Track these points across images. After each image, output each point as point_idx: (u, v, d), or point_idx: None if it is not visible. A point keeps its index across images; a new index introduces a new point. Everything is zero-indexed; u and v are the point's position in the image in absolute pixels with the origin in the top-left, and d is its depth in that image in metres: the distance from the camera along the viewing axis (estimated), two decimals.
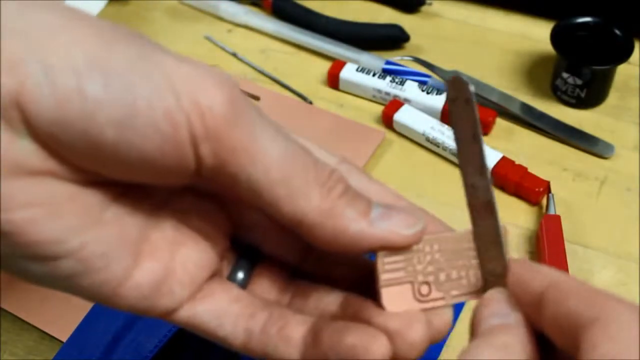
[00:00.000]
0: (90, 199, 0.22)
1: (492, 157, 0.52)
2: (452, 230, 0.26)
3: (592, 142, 0.55)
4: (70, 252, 0.22)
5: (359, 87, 0.59)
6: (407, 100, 0.57)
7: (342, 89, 0.60)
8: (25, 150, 0.21)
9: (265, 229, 0.27)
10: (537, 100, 0.58)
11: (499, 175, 0.51)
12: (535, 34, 0.64)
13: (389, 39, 0.63)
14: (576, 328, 0.20)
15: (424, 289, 0.25)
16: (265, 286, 0.27)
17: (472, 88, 0.22)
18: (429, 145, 0.55)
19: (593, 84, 0.56)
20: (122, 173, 0.22)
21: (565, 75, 0.56)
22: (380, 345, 0.23)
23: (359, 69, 0.59)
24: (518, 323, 0.23)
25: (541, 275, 0.23)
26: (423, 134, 0.54)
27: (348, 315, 0.25)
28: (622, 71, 0.58)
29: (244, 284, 0.27)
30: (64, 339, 0.44)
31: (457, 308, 0.44)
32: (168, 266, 0.24)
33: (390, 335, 0.23)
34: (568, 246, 0.47)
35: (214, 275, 0.26)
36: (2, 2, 0.20)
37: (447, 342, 0.43)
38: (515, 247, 0.49)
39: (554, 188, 0.51)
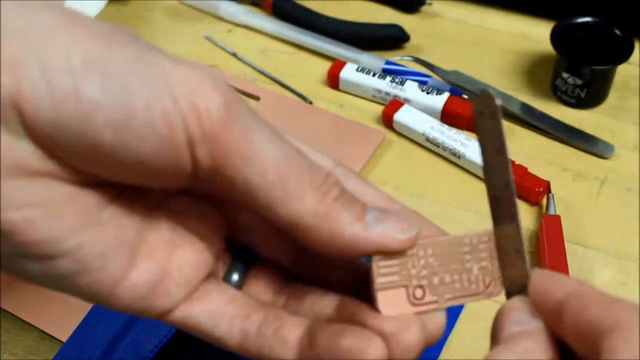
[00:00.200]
0: (87, 200, 0.22)
1: None
2: (446, 234, 0.26)
3: (592, 142, 0.55)
4: (68, 252, 0.22)
5: (359, 87, 0.59)
6: (407, 100, 0.57)
7: (342, 89, 0.60)
8: (24, 151, 0.21)
9: (260, 231, 0.27)
10: (537, 100, 0.58)
11: None
12: (535, 34, 0.64)
13: (389, 39, 0.63)
14: (597, 335, 0.21)
15: (418, 293, 0.25)
16: (260, 288, 0.27)
17: (499, 102, 0.23)
18: (429, 145, 0.55)
19: (593, 84, 0.56)
20: (119, 175, 0.22)
21: (565, 75, 0.56)
22: (375, 348, 0.23)
23: (359, 69, 0.59)
24: (539, 330, 0.23)
25: (561, 285, 0.23)
26: (423, 134, 0.54)
27: (344, 318, 0.25)
28: (622, 71, 0.58)
29: (239, 286, 0.27)
30: (64, 339, 0.44)
31: (457, 309, 0.44)
32: (164, 267, 0.24)
33: (385, 338, 0.24)
34: (568, 246, 0.47)
35: (210, 276, 0.26)
36: (1, 2, 0.20)
37: (447, 342, 0.43)
38: None
39: (554, 188, 0.51)
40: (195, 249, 0.25)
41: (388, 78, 0.58)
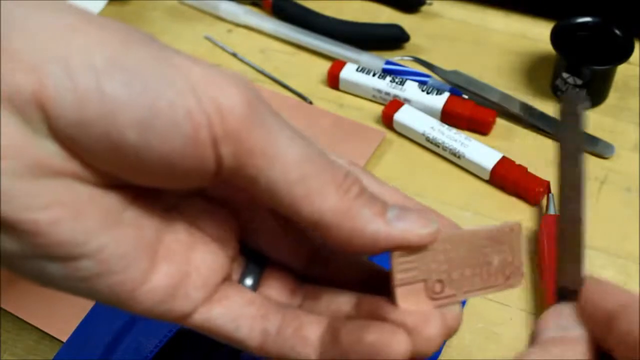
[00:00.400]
0: (109, 201, 0.23)
1: (492, 157, 0.52)
2: (460, 228, 0.26)
3: (592, 142, 0.55)
4: (91, 253, 0.22)
5: (359, 87, 0.59)
6: (407, 100, 0.57)
7: (342, 89, 0.60)
8: (47, 151, 0.21)
9: (272, 235, 0.27)
10: (537, 100, 0.58)
11: (499, 175, 0.51)
12: (535, 34, 0.64)
13: (389, 39, 0.63)
14: None
15: (437, 287, 0.25)
16: (275, 290, 0.27)
17: (584, 106, 0.23)
18: (429, 145, 0.55)
19: (593, 84, 0.56)
20: (141, 176, 0.22)
21: (565, 75, 0.56)
22: (400, 341, 0.23)
23: (359, 69, 0.59)
24: (580, 339, 0.23)
25: (615, 294, 0.23)
26: (423, 134, 0.54)
27: (363, 315, 0.25)
28: (622, 71, 0.58)
29: (254, 288, 0.27)
30: (64, 339, 0.44)
31: None
32: (183, 269, 0.24)
33: (408, 331, 0.24)
34: None
35: (226, 279, 0.26)
36: (21, 5, 0.20)
37: (448, 342, 0.43)
38: None
39: (554, 188, 0.51)
40: (212, 251, 0.25)
41: (388, 78, 0.58)
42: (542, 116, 0.56)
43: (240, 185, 0.23)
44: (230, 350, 0.42)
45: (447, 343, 0.43)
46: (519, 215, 0.50)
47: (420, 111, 0.56)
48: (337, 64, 0.60)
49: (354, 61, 0.61)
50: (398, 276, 0.25)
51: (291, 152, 0.22)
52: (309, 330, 0.25)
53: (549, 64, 0.60)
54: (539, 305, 0.45)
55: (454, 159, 0.54)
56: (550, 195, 0.50)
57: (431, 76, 0.59)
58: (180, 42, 0.65)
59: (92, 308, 0.44)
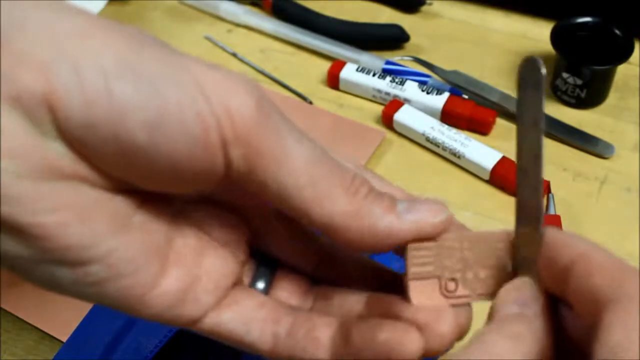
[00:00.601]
0: (118, 205, 0.22)
1: (492, 157, 0.52)
2: (467, 229, 0.26)
3: (592, 142, 0.55)
4: (99, 257, 0.22)
5: (359, 87, 0.59)
6: (407, 100, 0.57)
7: (342, 89, 0.60)
8: (56, 153, 0.20)
9: (281, 238, 0.27)
10: None
11: (499, 175, 0.51)
12: (535, 34, 0.64)
13: (389, 39, 0.63)
14: (597, 306, 0.20)
15: (451, 285, 0.25)
16: (286, 292, 0.28)
17: (544, 71, 0.22)
18: (429, 145, 0.55)
19: (593, 84, 0.56)
20: (151, 179, 0.22)
21: (565, 75, 0.56)
22: (412, 339, 0.23)
23: (359, 69, 0.59)
24: (536, 315, 0.23)
25: (572, 246, 0.22)
26: (423, 134, 0.54)
27: (375, 313, 0.25)
28: (622, 71, 0.58)
29: (266, 291, 0.27)
30: (64, 339, 0.44)
31: None
32: (193, 274, 0.24)
33: (420, 328, 0.24)
34: None
35: (237, 283, 0.26)
36: (33, 7, 0.20)
37: None
38: None
39: (554, 188, 0.51)
40: (222, 256, 0.25)
41: (388, 78, 0.58)
42: None
43: (249, 188, 0.23)
44: (231, 351, 0.42)
45: None
46: None
47: (420, 111, 0.56)
48: (337, 64, 0.60)
49: (354, 61, 0.61)
50: (412, 270, 0.24)
51: (300, 155, 0.22)
52: (321, 332, 0.25)
53: (549, 64, 0.60)
54: None
55: (454, 159, 0.54)
56: (550, 195, 0.50)
57: (431, 76, 0.59)
58: (180, 42, 0.65)
59: (92, 308, 0.44)
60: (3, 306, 0.46)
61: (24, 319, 0.45)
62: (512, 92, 0.58)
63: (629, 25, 0.56)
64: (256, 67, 0.63)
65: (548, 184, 0.51)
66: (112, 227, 0.22)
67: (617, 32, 0.56)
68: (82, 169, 0.21)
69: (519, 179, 0.24)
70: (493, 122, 0.56)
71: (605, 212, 0.51)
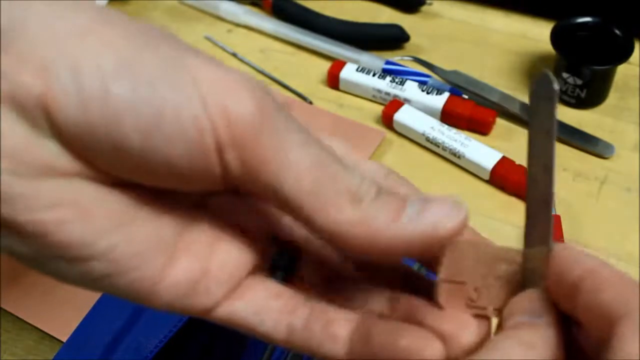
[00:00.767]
0: (120, 200, 0.22)
1: (492, 157, 0.52)
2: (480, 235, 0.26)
3: (592, 142, 0.55)
4: (101, 253, 0.22)
5: (359, 87, 0.59)
6: (407, 100, 0.57)
7: (342, 89, 0.60)
8: (52, 151, 0.20)
9: (304, 229, 0.27)
10: None
11: (499, 175, 0.51)
12: (535, 34, 0.64)
13: (389, 39, 0.63)
14: (609, 320, 0.20)
15: (473, 295, 0.25)
16: (307, 282, 0.27)
17: (557, 87, 0.22)
18: (429, 145, 0.55)
19: (593, 84, 0.56)
20: (148, 178, 0.22)
21: (565, 75, 0.56)
22: (434, 349, 0.23)
23: (359, 69, 0.59)
24: (548, 324, 0.22)
25: (580, 262, 0.22)
26: (423, 134, 0.54)
27: (398, 315, 0.25)
28: (622, 71, 0.58)
29: (285, 279, 0.27)
30: (64, 339, 0.44)
31: None
32: (205, 265, 0.24)
33: (443, 338, 0.23)
34: None
35: (254, 271, 0.26)
36: (32, 5, 0.20)
37: None
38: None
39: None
40: (238, 246, 0.25)
41: (388, 78, 0.58)
42: None
43: (251, 191, 0.22)
44: (231, 350, 0.42)
45: None
46: (519, 215, 0.50)
47: (420, 111, 0.56)
48: (337, 64, 0.60)
49: (354, 61, 0.61)
50: (445, 271, 0.24)
51: (303, 160, 0.22)
52: (339, 327, 0.25)
53: (549, 64, 0.60)
54: None
55: (454, 159, 0.54)
56: None
57: (431, 76, 0.59)
58: None
59: (92, 308, 0.44)
60: (3, 306, 0.46)
61: (24, 319, 0.45)
62: (512, 92, 0.58)
63: (629, 25, 0.56)
64: (256, 67, 0.63)
65: None
66: (113, 223, 0.22)
67: (617, 32, 0.56)
68: (79, 166, 0.21)
69: (529, 191, 0.24)
70: (493, 122, 0.56)
71: (605, 212, 0.51)
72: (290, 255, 0.27)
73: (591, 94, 0.57)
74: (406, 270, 0.28)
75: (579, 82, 0.55)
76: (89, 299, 0.44)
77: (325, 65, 0.61)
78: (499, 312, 0.24)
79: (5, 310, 0.46)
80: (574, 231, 0.49)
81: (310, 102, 0.59)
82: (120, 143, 0.20)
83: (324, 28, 0.64)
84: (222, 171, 0.22)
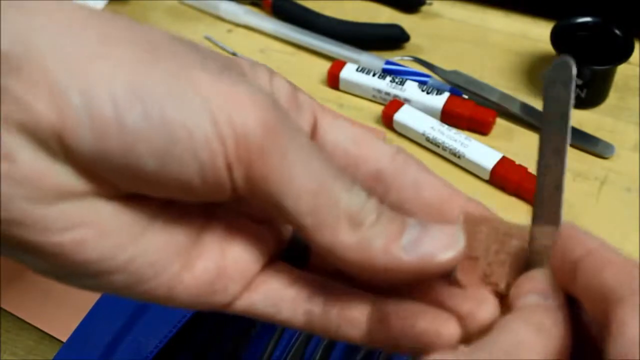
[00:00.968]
0: (134, 214, 0.23)
1: (492, 157, 0.52)
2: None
3: (592, 142, 0.55)
4: (119, 267, 0.22)
5: (359, 87, 0.59)
6: (407, 100, 0.57)
7: (342, 89, 0.60)
8: (67, 176, 0.21)
9: None
10: (537, 100, 0.58)
11: (499, 175, 0.51)
12: (535, 34, 0.64)
13: (389, 39, 0.63)
14: (607, 302, 0.20)
15: (488, 270, 0.25)
16: (323, 263, 0.27)
17: (574, 71, 0.23)
18: (429, 145, 0.55)
19: (593, 84, 0.56)
20: (160, 193, 0.22)
21: None
22: (450, 329, 0.23)
23: (359, 69, 0.59)
24: (558, 307, 0.22)
25: (582, 242, 0.22)
26: (423, 134, 0.54)
27: (413, 295, 0.25)
28: (622, 71, 0.58)
29: (303, 264, 0.27)
30: (64, 339, 0.44)
31: None
32: (219, 265, 0.25)
33: (460, 316, 0.23)
34: None
35: (269, 261, 0.26)
36: (41, 29, 0.20)
37: None
38: None
39: None
40: (251, 242, 0.25)
41: (388, 78, 0.58)
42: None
43: (256, 205, 0.23)
44: (231, 350, 0.42)
45: None
46: (519, 215, 0.50)
47: (420, 111, 0.56)
48: (337, 64, 0.60)
49: (354, 61, 0.61)
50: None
51: (304, 181, 0.22)
52: (356, 311, 0.25)
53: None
54: None
55: (454, 159, 0.54)
56: None
57: (431, 76, 0.59)
58: None
59: (92, 308, 0.44)
60: (3, 306, 0.46)
61: (24, 319, 0.45)
62: (512, 92, 0.58)
63: (629, 25, 0.56)
64: None
65: None
66: (131, 236, 0.23)
67: (617, 32, 0.56)
68: (94, 186, 0.21)
69: (540, 176, 0.24)
70: (493, 122, 0.56)
71: (605, 212, 0.51)
72: (304, 241, 0.27)
73: (591, 94, 0.57)
74: None
75: (579, 82, 0.55)
76: (89, 299, 0.44)
77: (325, 65, 0.61)
78: (509, 288, 0.24)
79: (5, 310, 0.46)
80: None
81: None
82: (134, 166, 0.21)
83: (324, 28, 0.64)
84: (231, 188, 0.22)
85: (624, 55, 0.55)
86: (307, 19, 0.65)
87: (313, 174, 0.22)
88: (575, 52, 0.55)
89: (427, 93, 0.57)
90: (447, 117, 0.56)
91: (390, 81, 0.58)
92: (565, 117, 0.23)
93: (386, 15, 0.67)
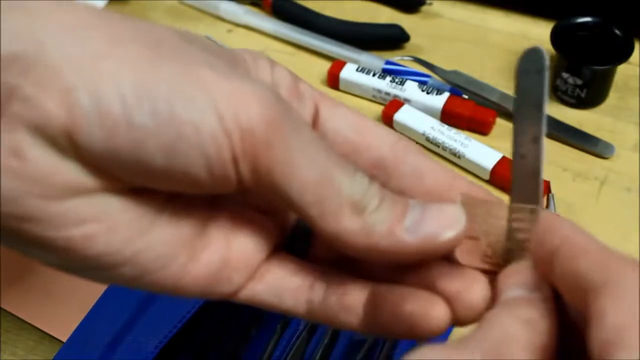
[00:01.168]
0: (140, 207, 0.23)
1: (492, 157, 0.52)
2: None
3: (592, 142, 0.55)
4: (128, 260, 0.23)
5: (359, 87, 0.59)
6: (407, 100, 0.57)
7: (342, 89, 0.60)
8: (76, 173, 0.21)
9: None
10: None
11: (499, 175, 0.51)
12: (535, 34, 0.64)
13: (389, 39, 0.63)
14: (585, 290, 0.20)
15: (488, 251, 0.25)
16: (324, 253, 0.27)
17: (546, 60, 0.23)
18: (429, 145, 0.55)
19: (593, 84, 0.56)
20: (168, 186, 0.23)
21: (565, 75, 0.56)
22: (438, 312, 0.23)
23: (359, 69, 0.59)
24: (544, 298, 0.22)
25: (557, 229, 0.22)
26: (423, 134, 0.54)
27: (410, 281, 0.25)
28: (622, 71, 0.58)
29: (304, 253, 0.27)
30: (64, 339, 0.44)
31: None
32: (224, 256, 0.25)
33: (449, 299, 0.23)
34: None
35: (273, 251, 0.27)
36: (49, 30, 0.21)
37: (450, 337, 0.43)
38: None
39: (554, 188, 0.51)
40: (255, 233, 0.26)
41: (388, 78, 0.58)
42: None
43: (262, 196, 0.23)
44: (231, 350, 0.42)
45: (449, 338, 0.43)
46: None
47: (420, 111, 0.56)
48: (337, 64, 0.60)
49: (354, 61, 0.61)
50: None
51: (308, 173, 0.22)
52: (353, 298, 0.25)
53: (549, 64, 0.59)
54: None
55: (454, 159, 0.54)
56: (550, 195, 0.50)
57: (431, 76, 0.59)
58: None
59: (92, 308, 0.44)
60: (3, 306, 0.46)
61: (24, 319, 0.45)
62: (512, 92, 0.58)
63: (629, 25, 0.56)
64: None
65: (548, 184, 0.51)
66: (139, 230, 0.23)
67: (617, 32, 0.56)
68: (103, 182, 0.22)
69: (515, 165, 0.24)
70: (493, 122, 0.56)
71: (605, 212, 0.51)
72: (307, 229, 0.27)
73: (591, 94, 0.57)
74: None
75: (579, 82, 0.55)
76: (89, 299, 0.44)
77: (325, 65, 0.61)
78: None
79: (5, 310, 0.46)
80: None
81: None
82: (143, 162, 0.21)
83: (324, 28, 0.64)
84: (237, 180, 0.22)
85: (624, 55, 0.55)
86: (307, 19, 0.65)
87: (316, 164, 0.23)
88: (575, 52, 0.55)
89: (427, 93, 0.57)
90: (447, 117, 0.56)
91: (390, 81, 0.58)
92: (539, 106, 0.23)
93: (386, 15, 0.67)
